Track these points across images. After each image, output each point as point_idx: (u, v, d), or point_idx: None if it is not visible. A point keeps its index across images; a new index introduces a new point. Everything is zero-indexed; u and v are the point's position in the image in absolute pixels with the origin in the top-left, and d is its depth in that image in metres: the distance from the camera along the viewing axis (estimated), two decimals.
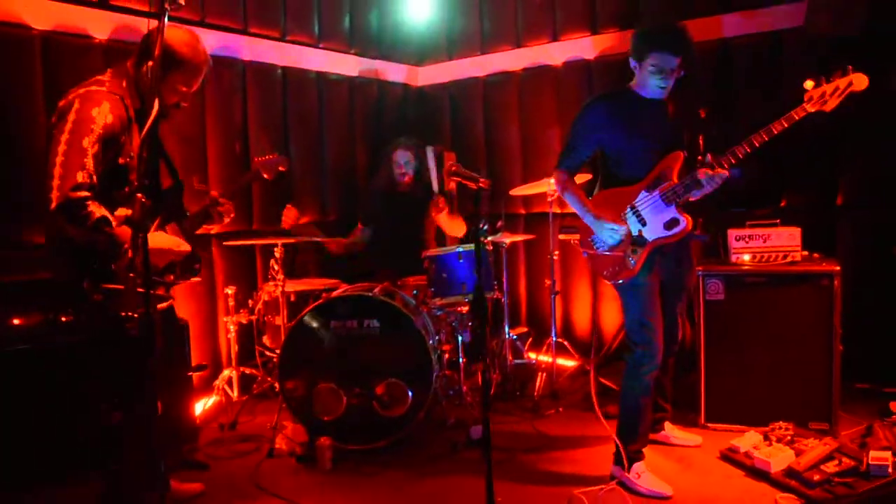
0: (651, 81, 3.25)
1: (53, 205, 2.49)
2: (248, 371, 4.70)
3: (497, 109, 6.20)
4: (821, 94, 3.04)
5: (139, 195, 2.16)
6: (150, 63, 2.70)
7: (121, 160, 2.68)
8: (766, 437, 3.54)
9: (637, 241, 3.30)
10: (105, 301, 2.61)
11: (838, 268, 3.73)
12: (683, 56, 3.21)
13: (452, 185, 5.31)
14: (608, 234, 3.31)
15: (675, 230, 3.24)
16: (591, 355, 3.90)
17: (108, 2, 4.25)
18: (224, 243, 4.74)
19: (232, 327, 4.61)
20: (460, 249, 4.23)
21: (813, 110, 3.07)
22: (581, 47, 5.64)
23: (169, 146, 4.43)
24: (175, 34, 2.80)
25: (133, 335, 2.61)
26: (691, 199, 3.31)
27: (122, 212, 2.57)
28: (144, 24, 2.75)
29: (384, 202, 5.11)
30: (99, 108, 2.60)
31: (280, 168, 3.66)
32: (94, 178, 2.56)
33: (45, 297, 3.49)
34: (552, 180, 4.58)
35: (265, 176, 3.60)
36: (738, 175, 4.57)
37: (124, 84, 2.75)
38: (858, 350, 4.39)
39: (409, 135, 5.26)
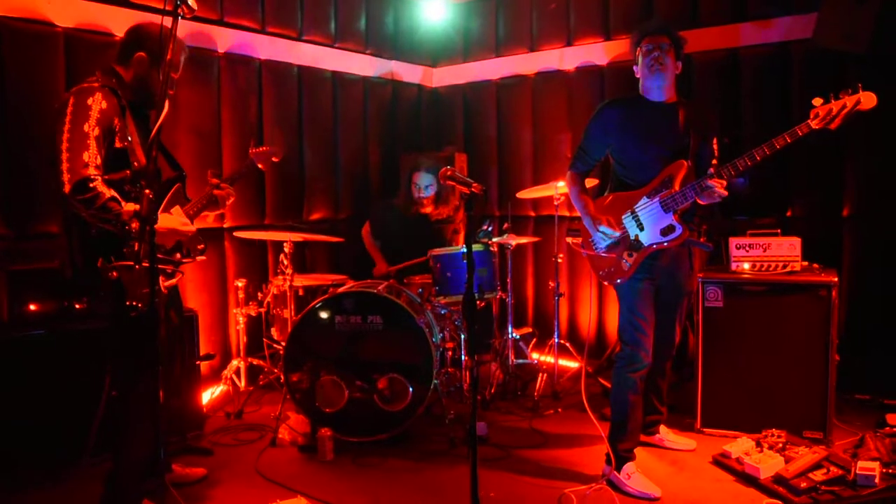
0: (644, 65, 3.37)
1: (67, 187, 2.65)
2: (255, 362, 4.82)
3: (510, 112, 6.28)
4: (827, 112, 3.03)
5: (147, 191, 2.27)
6: (139, 54, 2.92)
7: (118, 144, 2.82)
8: (759, 444, 3.58)
9: (633, 245, 3.38)
10: (120, 278, 2.74)
11: (836, 279, 3.76)
12: (667, 36, 3.36)
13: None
14: (601, 236, 3.42)
15: (671, 237, 3.30)
16: (587, 358, 3.94)
17: (130, 0, 4.37)
18: (234, 234, 4.86)
19: (241, 319, 4.73)
20: (465, 249, 4.30)
21: (817, 127, 3.06)
22: (594, 53, 5.71)
23: (183, 140, 4.61)
24: (150, 30, 2.98)
25: (137, 320, 2.72)
26: (701, 203, 3.36)
27: (131, 206, 2.69)
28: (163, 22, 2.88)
29: (401, 221, 5.11)
30: (92, 97, 2.78)
31: (273, 159, 3.77)
32: (99, 159, 2.72)
33: (60, 285, 3.64)
34: (559, 184, 4.67)
35: (260, 166, 3.72)
36: (743, 183, 4.64)
37: (114, 81, 2.92)
38: (860, 361, 4.43)
39: (428, 155, 5.29)
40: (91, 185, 2.65)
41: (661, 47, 3.34)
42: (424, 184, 5.00)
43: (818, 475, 3.22)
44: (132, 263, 2.72)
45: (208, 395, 4.61)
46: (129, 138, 2.85)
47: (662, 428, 3.89)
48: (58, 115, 2.75)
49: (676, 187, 3.29)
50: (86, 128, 2.71)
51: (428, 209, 5.05)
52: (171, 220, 3.01)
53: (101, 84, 2.85)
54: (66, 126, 2.70)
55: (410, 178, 5.05)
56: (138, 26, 3.00)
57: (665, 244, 3.33)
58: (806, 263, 4.02)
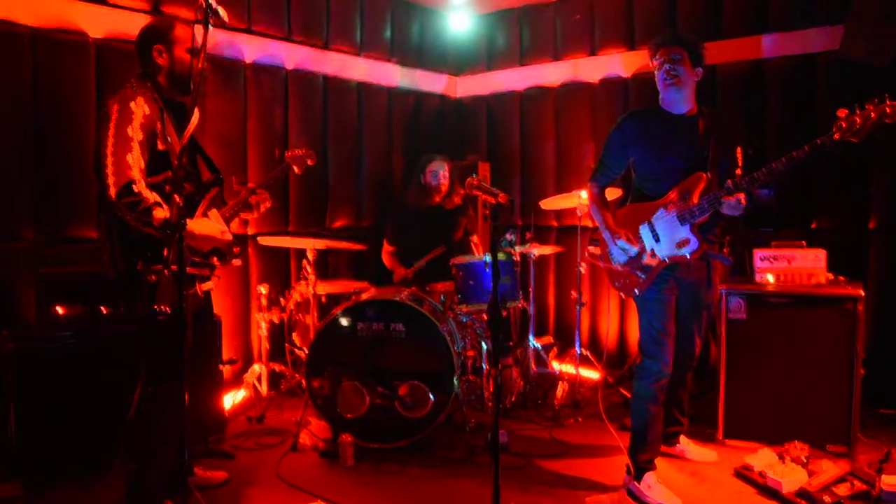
0: (659, 79, 3.37)
1: (113, 190, 2.70)
2: (277, 368, 4.85)
3: (533, 123, 6.29)
4: (851, 123, 2.98)
5: (176, 197, 2.31)
6: (157, 46, 2.99)
7: (160, 146, 2.88)
8: (781, 457, 3.55)
9: (650, 257, 3.38)
10: (158, 282, 2.78)
11: (862, 292, 3.73)
12: (682, 47, 3.34)
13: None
14: (619, 250, 3.43)
15: (686, 250, 3.30)
16: (609, 368, 3.93)
17: (160, 9, 4.45)
18: (258, 240, 4.91)
19: (264, 324, 4.76)
20: (487, 258, 4.33)
21: (839, 139, 3.02)
22: (618, 64, 5.71)
23: (210, 149, 4.64)
24: (153, 23, 3.11)
25: (165, 324, 2.75)
26: (724, 214, 3.32)
27: (161, 213, 2.73)
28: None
29: (415, 217, 5.19)
30: (135, 101, 2.85)
31: (309, 162, 3.84)
32: (142, 162, 2.79)
33: (89, 288, 3.70)
34: (582, 194, 4.68)
35: (295, 169, 3.79)
36: (768, 194, 4.61)
37: (149, 84, 2.99)
38: (885, 375, 4.37)
39: (442, 150, 5.37)
40: (135, 188, 2.71)
41: (674, 59, 3.33)
42: (441, 171, 5.09)
43: (842, 490, 3.19)
44: (162, 267, 2.78)
45: (230, 400, 4.65)
46: (169, 139, 2.91)
47: (683, 438, 3.87)
48: (102, 121, 2.82)
49: (694, 200, 3.28)
50: (129, 131, 2.77)
51: (443, 191, 5.12)
52: (211, 226, 3.05)
53: (138, 89, 2.92)
54: (111, 131, 2.76)
55: (424, 170, 5.12)
56: (143, 28, 3.09)
57: (681, 257, 3.33)
58: (831, 276, 3.99)
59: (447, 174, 5.13)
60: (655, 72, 3.41)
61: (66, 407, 3.51)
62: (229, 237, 3.12)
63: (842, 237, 4.74)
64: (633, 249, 3.39)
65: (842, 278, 4.02)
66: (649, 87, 3.64)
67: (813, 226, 4.88)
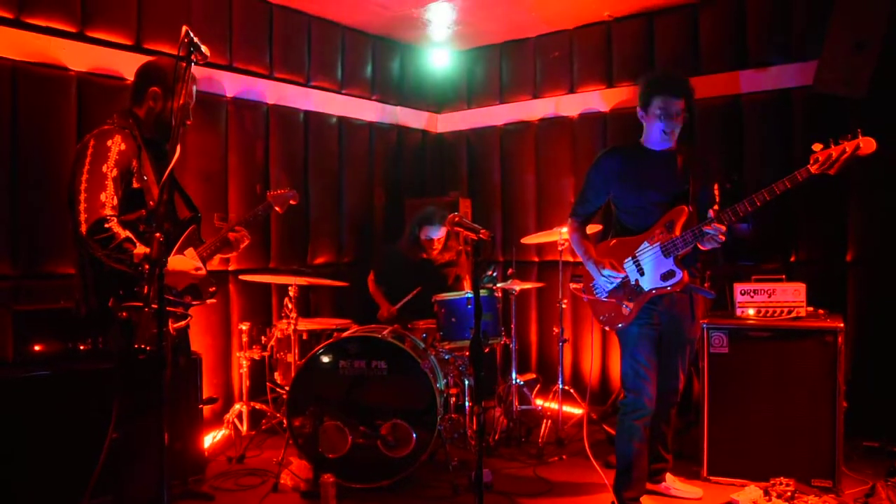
0: (656, 126, 3.39)
1: (84, 227, 2.67)
2: (258, 406, 4.78)
3: (514, 158, 6.34)
4: (827, 157, 3.06)
5: (157, 234, 2.28)
6: (153, 89, 2.93)
7: (135, 184, 2.85)
8: (767, 493, 3.53)
9: (634, 290, 3.39)
10: (130, 318, 2.74)
11: (842, 325, 3.75)
12: (685, 99, 3.38)
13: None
14: (604, 281, 3.43)
15: (671, 282, 3.32)
16: (591, 404, 3.91)
17: (142, 45, 4.46)
18: (240, 277, 4.87)
19: (245, 362, 4.71)
20: (469, 295, 4.31)
21: (817, 172, 3.09)
22: (596, 100, 5.79)
23: (190, 184, 4.65)
24: (160, 64, 3.03)
25: (144, 362, 2.69)
26: (702, 248, 3.36)
27: (142, 249, 2.70)
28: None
29: (405, 265, 5.13)
30: (112, 139, 2.82)
31: (291, 202, 3.82)
32: (115, 199, 2.75)
33: (67, 325, 3.64)
34: (563, 229, 4.70)
35: (277, 209, 3.76)
36: (747, 228, 4.66)
37: (130, 121, 2.96)
38: (868, 408, 4.38)
39: (436, 205, 5.32)
40: (107, 225, 2.68)
41: (677, 114, 3.35)
42: (437, 236, 5.03)
43: None
44: (142, 304, 2.73)
45: (210, 439, 4.57)
46: (146, 177, 2.88)
47: (668, 476, 3.84)
48: (77, 157, 2.79)
49: (677, 232, 3.31)
50: (104, 168, 2.74)
51: (434, 253, 5.07)
52: (184, 262, 3.01)
53: (118, 126, 2.89)
54: (86, 167, 2.74)
55: (421, 227, 5.05)
56: (147, 64, 3.05)
57: (665, 289, 3.34)
58: (811, 309, 4.01)
59: (443, 238, 5.05)
60: (653, 118, 3.39)
61: (42, 444, 3.43)
62: (203, 273, 3.08)
63: (820, 270, 4.79)
64: (620, 277, 3.39)
65: (821, 311, 4.05)
66: (627, 121, 3.69)
67: (792, 259, 4.93)
